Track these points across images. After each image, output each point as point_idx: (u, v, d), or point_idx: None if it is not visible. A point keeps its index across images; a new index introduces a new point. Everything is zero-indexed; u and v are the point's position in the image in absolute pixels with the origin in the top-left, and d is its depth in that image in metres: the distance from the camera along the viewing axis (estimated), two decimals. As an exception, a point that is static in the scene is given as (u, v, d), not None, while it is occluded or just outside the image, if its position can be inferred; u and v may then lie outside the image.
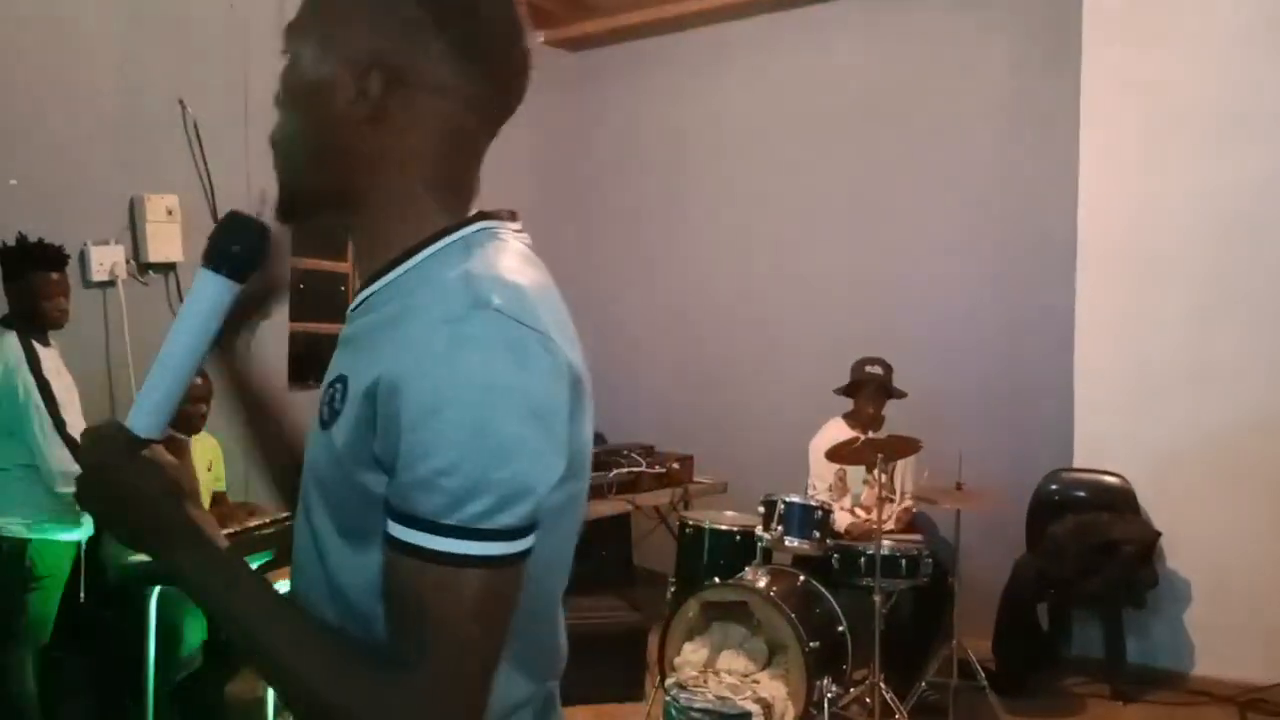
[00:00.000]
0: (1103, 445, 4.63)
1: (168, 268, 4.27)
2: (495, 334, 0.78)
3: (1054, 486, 4.64)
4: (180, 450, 0.84)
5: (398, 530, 0.79)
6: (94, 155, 4.05)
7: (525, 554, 0.80)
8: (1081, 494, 4.58)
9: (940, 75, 5.18)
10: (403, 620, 0.80)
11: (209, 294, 0.89)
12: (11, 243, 3.39)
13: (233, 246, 0.89)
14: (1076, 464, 4.68)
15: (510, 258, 0.89)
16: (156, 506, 0.86)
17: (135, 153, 4.16)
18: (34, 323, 3.34)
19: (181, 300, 4.39)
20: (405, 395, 0.77)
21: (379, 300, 0.89)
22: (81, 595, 3.42)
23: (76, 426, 3.26)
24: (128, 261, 4.11)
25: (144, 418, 0.88)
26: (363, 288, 0.91)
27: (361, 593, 0.84)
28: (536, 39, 4.49)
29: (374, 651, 0.83)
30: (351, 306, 0.92)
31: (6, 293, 3.38)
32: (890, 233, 5.32)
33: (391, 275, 0.88)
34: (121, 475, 0.86)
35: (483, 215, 0.93)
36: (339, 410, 0.84)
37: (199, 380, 3.77)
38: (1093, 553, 4.27)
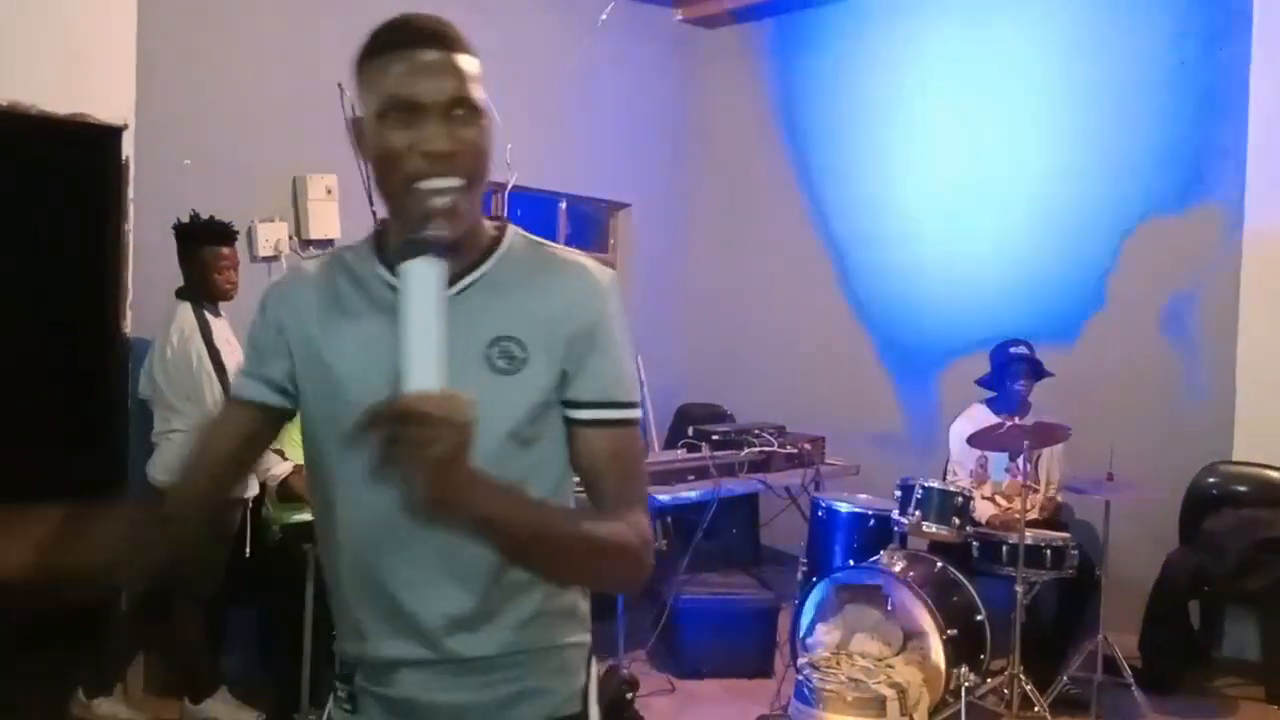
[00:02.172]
0: (1266, 437, 4.38)
1: (327, 243, 4.48)
2: (618, 289, 1.25)
3: (1212, 479, 4.43)
4: None
5: (607, 413, 1.21)
6: (261, 138, 4.28)
7: None
8: (1242, 488, 4.35)
9: (1098, 48, 4.95)
10: (626, 470, 1.22)
11: (422, 272, 1.01)
12: (185, 220, 3.62)
13: (425, 235, 1.06)
14: (1236, 456, 4.44)
15: None
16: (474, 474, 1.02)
17: (298, 135, 4.37)
18: (206, 295, 3.57)
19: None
20: (599, 333, 1.20)
21: (486, 282, 1.20)
22: (248, 551, 3.63)
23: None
24: (290, 238, 4.34)
25: (430, 377, 0.97)
26: (461, 274, 1.19)
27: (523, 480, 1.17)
28: (674, 16, 4.53)
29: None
30: (457, 290, 1.16)
31: (181, 267, 3.61)
32: (1036, 212, 5.13)
33: (490, 263, 1.21)
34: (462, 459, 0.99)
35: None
36: (523, 357, 1.17)
37: None
38: (1252, 550, 4.06)
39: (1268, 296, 4.43)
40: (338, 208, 4.41)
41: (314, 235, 4.38)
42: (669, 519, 5.26)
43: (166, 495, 1.28)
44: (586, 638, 1.30)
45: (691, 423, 5.30)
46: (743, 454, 4.55)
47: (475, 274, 1.20)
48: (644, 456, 1.27)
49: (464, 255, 1.19)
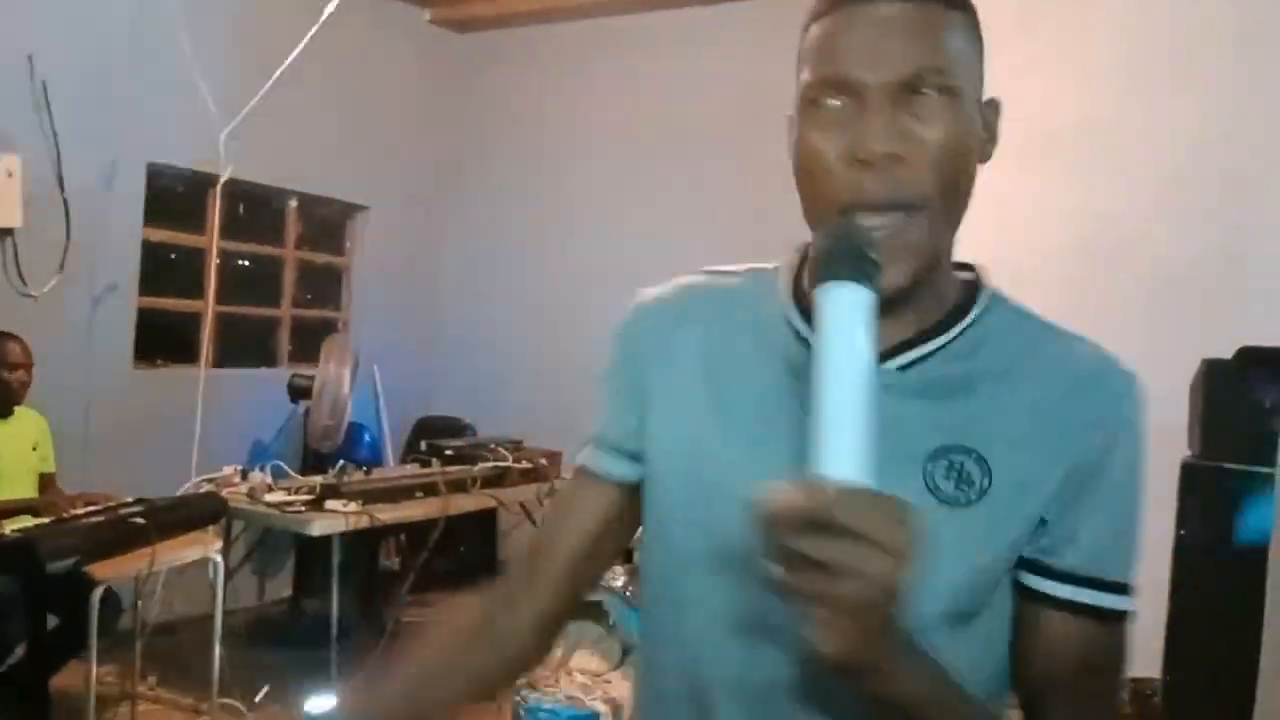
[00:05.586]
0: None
1: (5, 233, 4.00)
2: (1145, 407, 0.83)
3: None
4: None
5: (1091, 596, 0.80)
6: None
7: None
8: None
9: (766, 75, 5.23)
10: (1095, 687, 0.83)
11: (849, 303, 0.69)
12: None
13: (848, 247, 0.71)
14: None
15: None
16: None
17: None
18: None
19: (19, 268, 4.12)
20: (1113, 471, 0.80)
21: (944, 360, 0.82)
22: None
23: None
24: (-40, 225, 3.84)
25: (854, 462, 0.64)
26: (908, 344, 0.82)
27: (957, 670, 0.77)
28: (423, 16, 4.40)
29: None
30: (899, 365, 0.82)
31: None
32: (754, 241, 5.35)
33: (953, 333, 0.83)
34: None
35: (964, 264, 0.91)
36: (983, 484, 0.79)
37: (17, 346, 3.56)
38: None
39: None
40: (19, 193, 3.95)
41: (-12, 223, 3.91)
42: (401, 537, 5.11)
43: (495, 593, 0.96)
44: None
45: (430, 436, 5.17)
46: (476, 469, 4.48)
47: (928, 345, 0.82)
48: (1125, 670, 0.85)
49: (913, 313, 0.82)
